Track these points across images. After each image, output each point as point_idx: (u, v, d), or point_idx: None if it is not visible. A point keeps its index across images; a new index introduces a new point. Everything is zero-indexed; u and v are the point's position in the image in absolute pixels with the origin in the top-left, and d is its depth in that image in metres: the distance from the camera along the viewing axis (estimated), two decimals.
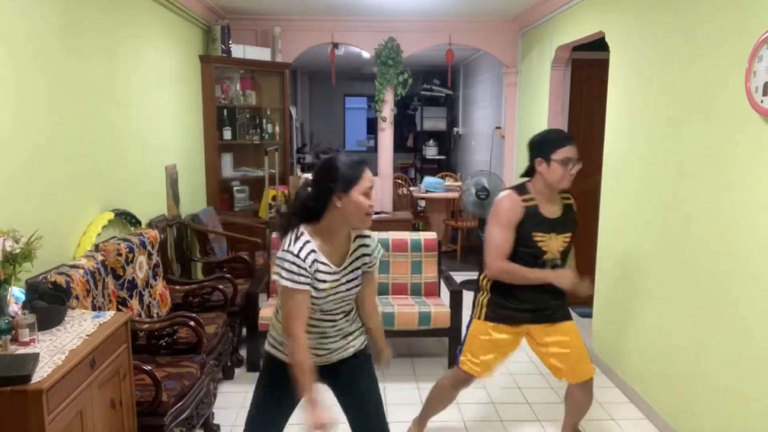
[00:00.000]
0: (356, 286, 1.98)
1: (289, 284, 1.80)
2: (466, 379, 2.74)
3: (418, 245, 4.02)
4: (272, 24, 5.60)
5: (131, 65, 3.59)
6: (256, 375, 3.64)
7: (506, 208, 2.51)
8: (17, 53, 2.41)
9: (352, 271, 1.97)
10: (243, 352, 3.86)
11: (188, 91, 4.72)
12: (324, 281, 1.88)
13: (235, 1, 5.07)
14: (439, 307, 3.75)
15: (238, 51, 5.28)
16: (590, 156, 4.69)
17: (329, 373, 2.05)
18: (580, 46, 4.59)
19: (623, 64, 3.61)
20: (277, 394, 2.03)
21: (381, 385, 3.51)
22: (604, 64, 3.88)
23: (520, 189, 2.55)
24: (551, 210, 2.53)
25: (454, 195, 7.13)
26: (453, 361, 3.80)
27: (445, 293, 3.94)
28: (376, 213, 5.99)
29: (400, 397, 3.42)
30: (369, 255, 2.01)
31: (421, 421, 2.94)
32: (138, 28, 3.71)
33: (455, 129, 9.81)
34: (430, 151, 10.46)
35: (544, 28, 5.03)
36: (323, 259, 1.88)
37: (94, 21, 3.10)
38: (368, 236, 2.03)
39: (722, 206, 2.58)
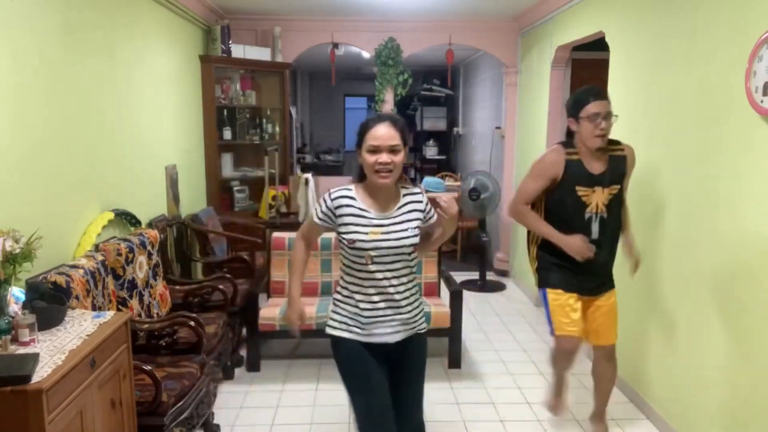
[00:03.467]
0: (409, 237, 2.01)
1: (311, 216, 2.08)
2: (569, 345, 2.70)
3: None
4: (272, 24, 5.60)
5: (131, 65, 3.59)
6: (256, 375, 3.70)
7: (548, 160, 2.57)
8: (17, 53, 2.41)
9: (402, 222, 2.02)
10: (243, 352, 3.86)
11: (188, 91, 4.72)
12: (357, 225, 1.98)
13: (235, 1, 5.07)
14: (439, 307, 3.75)
15: (238, 51, 5.28)
16: None
17: (385, 353, 2.06)
18: (580, 46, 4.59)
19: (623, 64, 3.61)
20: (370, 371, 2.03)
21: None
22: (604, 64, 3.88)
23: (567, 143, 2.59)
24: (596, 166, 2.54)
25: (454, 195, 7.11)
26: (453, 361, 3.81)
27: (445, 293, 3.94)
28: None
29: None
30: (422, 211, 2.09)
31: (557, 397, 2.97)
32: (138, 28, 3.71)
33: (455, 129, 9.80)
34: (430, 151, 10.46)
35: (544, 28, 5.03)
36: (361, 204, 2.01)
37: (94, 21, 3.10)
38: (418, 193, 2.11)
39: (721, 206, 2.58)
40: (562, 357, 2.78)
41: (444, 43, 5.88)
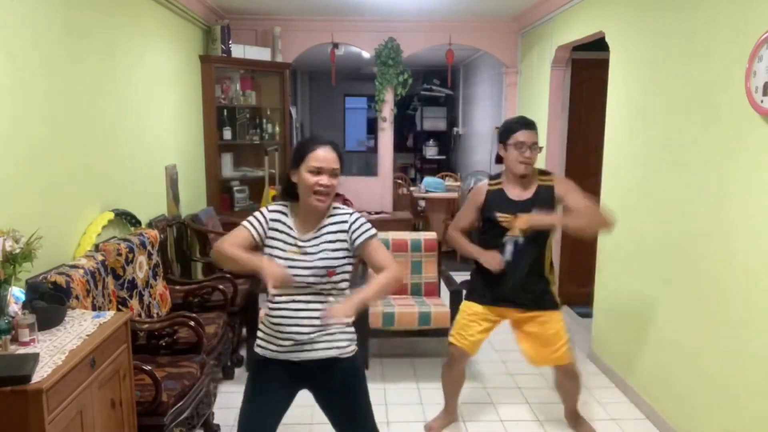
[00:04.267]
0: (323, 260, 1.94)
1: (244, 223, 2.01)
2: (455, 355, 2.92)
3: (418, 245, 4.02)
4: (272, 24, 5.60)
5: (131, 65, 3.59)
6: None
7: (474, 191, 2.85)
8: (17, 53, 2.41)
9: (320, 244, 1.96)
10: (243, 352, 3.86)
11: (188, 91, 4.72)
12: (280, 244, 1.97)
13: (235, 1, 5.07)
14: (439, 307, 3.75)
15: (238, 51, 5.28)
16: (590, 156, 4.71)
17: (306, 375, 2.02)
18: (580, 46, 4.59)
19: (623, 64, 3.61)
20: (263, 388, 2.05)
21: (381, 386, 3.54)
22: (604, 64, 3.88)
23: (494, 176, 2.84)
24: (520, 193, 2.70)
25: (454, 195, 7.13)
26: None
27: (445, 293, 3.94)
28: (377, 213, 5.98)
29: (400, 397, 3.42)
30: (345, 232, 2.00)
31: (446, 409, 3.11)
32: (138, 28, 3.71)
33: (455, 129, 9.81)
34: (430, 151, 10.46)
35: (544, 28, 5.03)
36: (288, 227, 2.00)
37: (94, 21, 3.10)
38: (347, 213, 2.04)
39: (722, 206, 2.58)
40: (448, 365, 2.98)
41: (444, 43, 5.88)
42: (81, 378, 1.88)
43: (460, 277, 5.76)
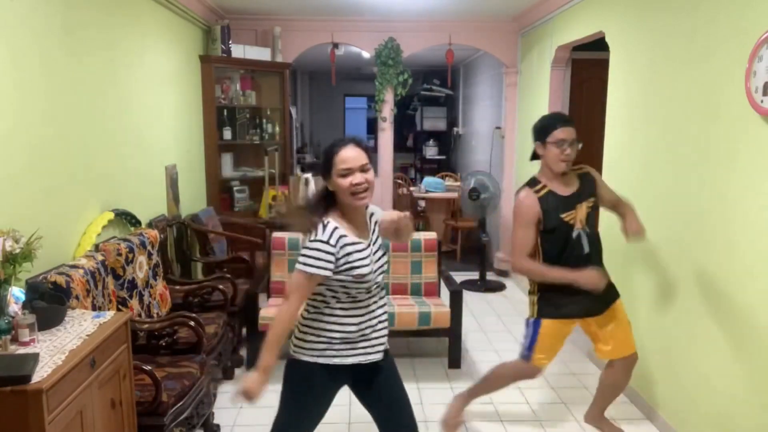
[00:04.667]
0: (383, 258, 2.04)
1: (308, 269, 1.86)
2: (533, 374, 2.84)
3: (418, 245, 4.02)
4: (272, 24, 5.60)
5: (131, 65, 3.59)
6: None
7: (525, 206, 2.60)
8: (17, 52, 2.41)
9: (376, 243, 2.03)
10: (243, 352, 3.86)
11: (188, 91, 4.72)
12: (360, 258, 1.93)
13: (235, 1, 5.07)
14: (439, 307, 3.75)
15: (238, 51, 5.28)
16: (590, 156, 4.70)
17: (364, 375, 2.08)
18: (580, 46, 4.59)
19: (623, 64, 3.61)
20: (310, 397, 2.05)
21: None
22: (604, 64, 3.88)
23: (532, 182, 2.66)
24: (566, 189, 2.61)
25: (454, 195, 7.12)
26: (453, 361, 3.81)
27: (445, 293, 3.94)
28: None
29: None
30: (377, 222, 2.08)
31: (468, 398, 2.99)
32: (138, 28, 3.71)
33: (455, 129, 9.80)
34: (430, 151, 10.46)
35: (544, 28, 5.03)
36: (353, 239, 1.94)
37: (95, 21, 3.10)
38: (372, 210, 2.09)
39: (722, 206, 2.58)
40: (514, 377, 2.91)
41: (444, 43, 5.88)
42: (81, 378, 1.88)
43: (460, 277, 5.78)
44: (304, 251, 1.88)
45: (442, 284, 4.07)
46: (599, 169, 3.89)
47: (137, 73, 3.68)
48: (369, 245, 1.99)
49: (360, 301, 1.98)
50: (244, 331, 3.86)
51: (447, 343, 3.81)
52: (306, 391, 2.03)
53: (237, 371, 3.72)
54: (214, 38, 5.10)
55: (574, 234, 2.59)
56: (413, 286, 4.01)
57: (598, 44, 4.05)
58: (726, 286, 2.56)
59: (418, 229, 7.09)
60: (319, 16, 5.64)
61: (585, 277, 2.52)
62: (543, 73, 5.05)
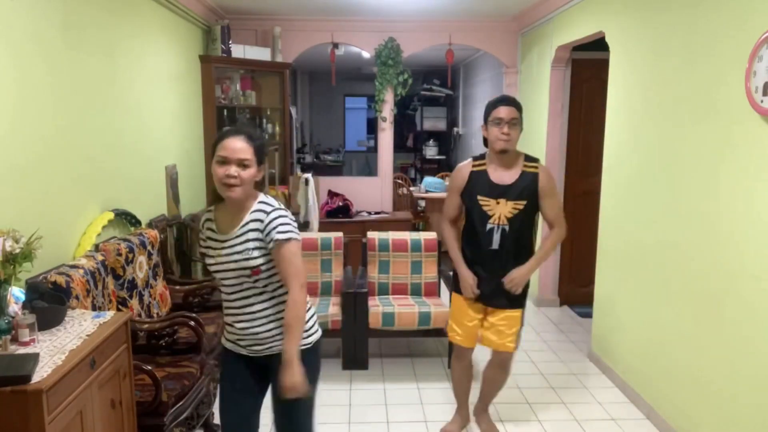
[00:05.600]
0: (244, 260, 1.90)
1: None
2: (457, 354, 2.92)
3: (418, 245, 4.02)
4: (272, 24, 5.60)
5: (131, 65, 3.59)
6: None
7: (455, 173, 2.77)
8: (17, 53, 2.41)
9: (239, 243, 1.91)
10: None
11: (188, 91, 4.72)
12: (209, 247, 1.98)
13: (235, 1, 5.07)
14: (438, 307, 3.75)
15: (238, 51, 5.27)
16: (590, 156, 4.71)
17: (256, 367, 2.06)
18: (580, 46, 4.59)
19: (623, 64, 3.61)
20: (237, 381, 2.07)
21: (381, 386, 3.55)
22: (604, 64, 3.88)
23: (478, 156, 2.77)
24: (503, 176, 2.65)
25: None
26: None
27: (445, 293, 3.94)
28: (376, 213, 5.98)
29: (400, 397, 3.42)
30: (260, 230, 1.89)
31: (482, 407, 3.07)
32: (138, 28, 3.71)
33: (455, 129, 9.80)
34: (430, 151, 10.46)
35: (544, 28, 5.03)
36: (212, 226, 2.00)
37: (95, 21, 3.10)
38: (266, 212, 1.91)
39: (722, 206, 2.58)
40: (459, 366, 2.96)
41: (444, 43, 5.88)
42: (81, 378, 1.88)
43: None
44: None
45: (442, 284, 4.07)
46: (599, 169, 3.90)
47: (137, 73, 3.68)
48: (225, 239, 1.94)
49: (226, 293, 2.01)
50: None
51: (447, 343, 3.81)
52: (221, 373, 2.12)
53: None
54: (214, 38, 5.10)
55: (488, 227, 2.64)
56: (413, 286, 4.02)
57: (598, 44, 4.05)
58: (726, 285, 2.56)
59: (418, 229, 7.10)
60: (319, 16, 5.64)
61: (463, 279, 2.72)
62: (543, 73, 5.05)
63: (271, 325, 1.98)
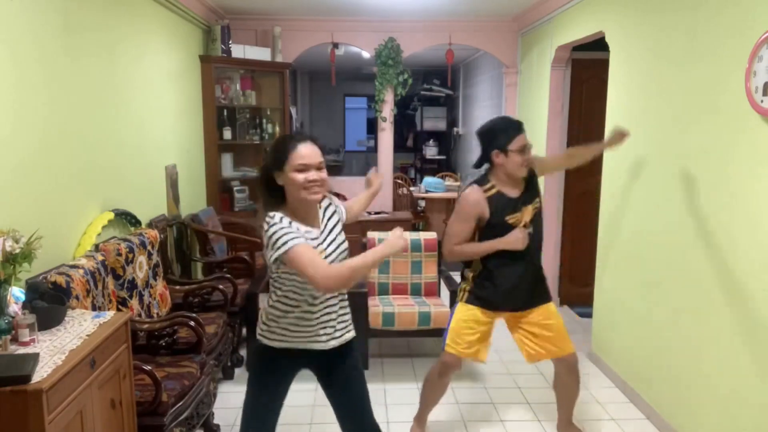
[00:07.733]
0: (343, 245, 2.05)
1: (299, 241, 1.82)
2: (453, 363, 2.82)
3: (418, 245, 4.02)
4: (272, 24, 5.60)
5: (131, 65, 3.59)
6: None
7: (471, 201, 2.62)
8: (17, 52, 2.41)
9: (331, 231, 2.04)
10: (243, 352, 3.86)
11: (188, 91, 4.72)
12: (311, 239, 1.96)
13: (235, 1, 5.07)
14: (439, 307, 3.75)
15: (238, 51, 5.28)
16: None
17: (324, 361, 2.06)
18: (580, 46, 4.59)
19: (623, 64, 3.61)
20: (271, 381, 2.06)
21: (381, 386, 3.55)
22: (604, 64, 3.88)
23: (481, 180, 2.66)
24: (514, 190, 2.64)
25: (454, 195, 7.13)
26: None
27: (445, 293, 3.94)
28: (377, 213, 5.98)
29: (400, 397, 3.42)
30: (339, 213, 2.13)
31: (420, 418, 2.96)
32: (138, 28, 3.71)
33: (455, 129, 9.81)
34: (430, 151, 10.46)
35: (544, 28, 5.03)
36: (304, 227, 1.95)
37: (94, 21, 3.10)
38: (329, 200, 2.12)
39: (722, 206, 2.58)
40: (439, 374, 2.85)
41: (444, 43, 5.88)
42: (81, 378, 1.88)
43: (460, 277, 5.77)
44: (276, 235, 1.83)
45: (442, 284, 4.07)
46: (599, 169, 3.90)
47: (137, 73, 3.68)
48: (321, 233, 2.00)
49: (308, 293, 1.98)
50: (244, 331, 3.86)
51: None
52: (269, 374, 2.06)
53: (237, 371, 3.72)
54: (214, 38, 5.11)
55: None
56: (413, 286, 4.02)
57: (598, 44, 4.05)
58: (726, 285, 2.56)
59: (418, 229, 7.10)
60: (319, 16, 5.65)
61: (508, 239, 2.58)
62: (543, 73, 5.06)
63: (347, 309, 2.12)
